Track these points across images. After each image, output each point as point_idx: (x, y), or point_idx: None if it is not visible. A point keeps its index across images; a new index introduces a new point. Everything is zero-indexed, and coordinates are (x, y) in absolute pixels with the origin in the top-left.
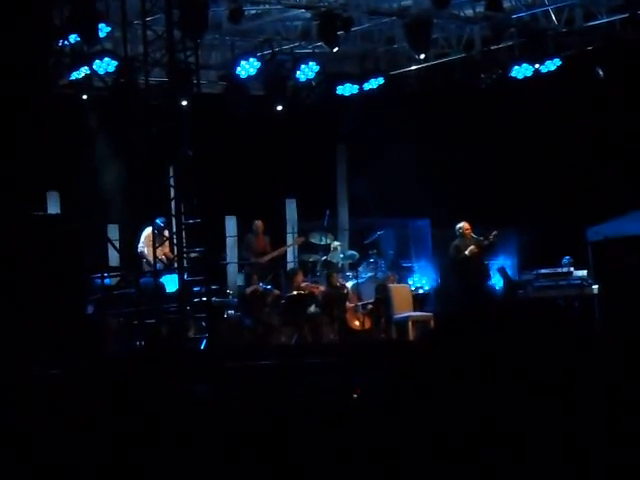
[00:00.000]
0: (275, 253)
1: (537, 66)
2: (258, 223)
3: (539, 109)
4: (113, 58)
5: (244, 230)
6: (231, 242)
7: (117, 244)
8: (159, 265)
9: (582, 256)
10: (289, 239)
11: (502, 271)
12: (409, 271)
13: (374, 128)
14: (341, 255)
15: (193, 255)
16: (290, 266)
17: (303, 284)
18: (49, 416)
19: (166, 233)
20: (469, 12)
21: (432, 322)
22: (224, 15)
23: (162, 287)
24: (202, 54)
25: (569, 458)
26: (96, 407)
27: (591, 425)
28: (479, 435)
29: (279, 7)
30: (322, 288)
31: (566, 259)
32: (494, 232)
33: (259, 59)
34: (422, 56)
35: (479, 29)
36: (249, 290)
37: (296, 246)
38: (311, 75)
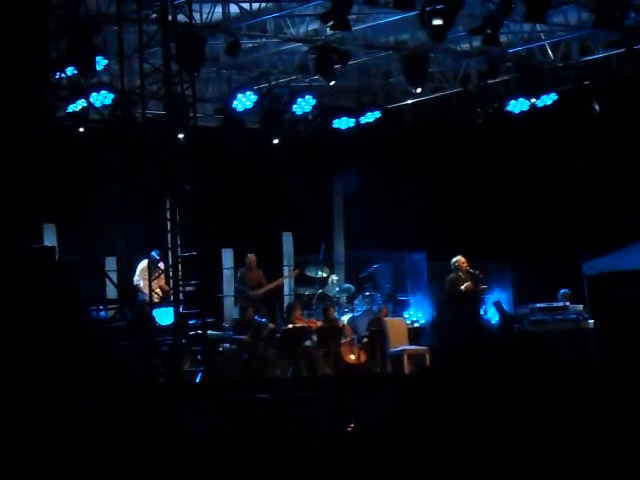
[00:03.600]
0: (271, 286)
1: (533, 100)
2: (251, 257)
3: (535, 143)
4: (110, 91)
5: (241, 263)
6: (228, 275)
7: (115, 275)
8: (154, 298)
9: (578, 290)
10: (285, 272)
11: (498, 305)
12: (405, 304)
13: (370, 162)
14: (337, 288)
15: (189, 288)
16: (286, 299)
17: (303, 318)
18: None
19: (162, 265)
20: (465, 46)
21: (428, 356)
22: (221, 48)
23: (153, 320)
24: (199, 87)
25: None
26: (93, 438)
27: (587, 456)
28: (477, 467)
29: (276, 40)
30: (319, 323)
31: (562, 291)
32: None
33: (256, 92)
34: (419, 90)
35: (475, 63)
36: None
37: (292, 279)
38: (308, 108)
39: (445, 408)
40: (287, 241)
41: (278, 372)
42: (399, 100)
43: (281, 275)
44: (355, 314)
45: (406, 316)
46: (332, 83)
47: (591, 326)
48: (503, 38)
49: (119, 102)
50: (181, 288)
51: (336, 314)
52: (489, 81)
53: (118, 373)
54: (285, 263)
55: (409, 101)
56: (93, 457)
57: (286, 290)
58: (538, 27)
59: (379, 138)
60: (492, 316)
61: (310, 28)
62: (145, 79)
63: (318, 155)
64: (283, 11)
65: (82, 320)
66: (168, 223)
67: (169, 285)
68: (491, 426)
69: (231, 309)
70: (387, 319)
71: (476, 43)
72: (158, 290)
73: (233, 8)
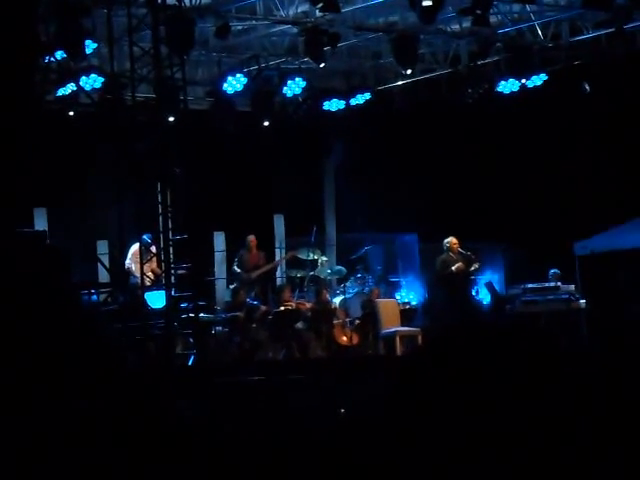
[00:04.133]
0: (265, 268)
1: (523, 81)
2: (251, 238)
3: (526, 124)
4: (100, 74)
5: (233, 246)
6: (219, 258)
7: (107, 259)
8: (146, 281)
9: (570, 270)
10: (277, 254)
11: (490, 286)
12: (397, 286)
13: (361, 143)
14: (328, 270)
15: (180, 271)
16: (278, 282)
17: (292, 300)
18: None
19: (153, 249)
20: (455, 27)
21: (420, 337)
22: (211, 31)
23: (145, 303)
24: (189, 70)
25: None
26: (85, 424)
27: (575, 441)
28: (471, 448)
29: (266, 23)
30: (308, 305)
31: (552, 272)
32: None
33: (246, 75)
34: (409, 71)
35: (465, 44)
36: (231, 316)
37: (284, 261)
38: (298, 91)
39: (437, 390)
40: (279, 223)
41: (270, 354)
42: (389, 82)
43: (273, 257)
44: (347, 296)
45: (398, 297)
46: (322, 65)
47: (582, 306)
48: (493, 19)
49: (109, 85)
50: (173, 271)
51: (328, 296)
52: (479, 62)
53: (110, 357)
54: (277, 245)
55: (399, 82)
56: (90, 454)
57: (277, 272)
58: (528, 7)
59: (369, 120)
60: (484, 297)
61: (300, 10)
62: (135, 62)
63: (308, 137)
64: None
65: (73, 303)
66: (159, 206)
67: (161, 268)
68: (484, 408)
69: (223, 292)
70: (379, 300)
71: (466, 24)
72: (150, 273)
73: None
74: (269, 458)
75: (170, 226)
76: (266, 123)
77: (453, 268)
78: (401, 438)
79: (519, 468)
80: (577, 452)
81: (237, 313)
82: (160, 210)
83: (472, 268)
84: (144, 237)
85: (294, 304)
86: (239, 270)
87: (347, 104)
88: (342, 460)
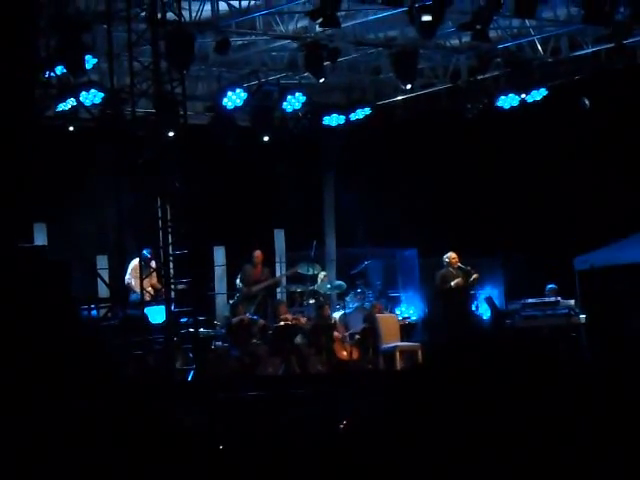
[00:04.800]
0: (265, 284)
1: (523, 96)
2: (257, 253)
3: (525, 139)
4: (99, 89)
5: (233, 260)
6: (219, 272)
7: (107, 274)
8: (146, 296)
9: (570, 285)
10: (277, 269)
11: (489, 301)
12: (396, 301)
13: (361, 158)
14: (328, 285)
15: (180, 286)
16: (277, 297)
17: (288, 315)
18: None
19: (153, 264)
20: (455, 42)
21: (419, 352)
22: (210, 46)
23: (145, 318)
24: (189, 85)
25: None
26: (84, 437)
27: (576, 453)
28: (470, 464)
29: (265, 38)
30: (303, 320)
31: (549, 287)
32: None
33: (246, 90)
34: (408, 86)
35: (465, 59)
36: (236, 320)
37: (284, 278)
38: (298, 106)
39: (437, 404)
40: (279, 238)
41: (270, 369)
42: (389, 96)
43: (274, 272)
44: (347, 311)
45: (398, 312)
46: (322, 80)
47: (582, 321)
48: (492, 33)
49: (109, 101)
50: (173, 286)
51: (329, 311)
52: (479, 77)
53: (108, 368)
54: (277, 260)
55: (399, 97)
56: (88, 456)
57: (278, 287)
58: (527, 22)
59: (369, 135)
60: (484, 312)
61: (299, 25)
62: (135, 77)
63: (308, 152)
64: (272, 8)
65: (73, 319)
66: (159, 221)
67: (161, 283)
68: (484, 422)
69: (223, 307)
70: (379, 315)
71: (466, 39)
72: (150, 288)
73: (222, 6)
74: (270, 472)
75: (170, 241)
76: (266, 138)
77: (452, 283)
78: (401, 439)
79: (519, 468)
80: (577, 452)
81: (241, 317)
82: (160, 225)
83: (471, 279)
84: (144, 252)
85: (290, 319)
86: (241, 284)
87: (347, 119)
88: (342, 473)
